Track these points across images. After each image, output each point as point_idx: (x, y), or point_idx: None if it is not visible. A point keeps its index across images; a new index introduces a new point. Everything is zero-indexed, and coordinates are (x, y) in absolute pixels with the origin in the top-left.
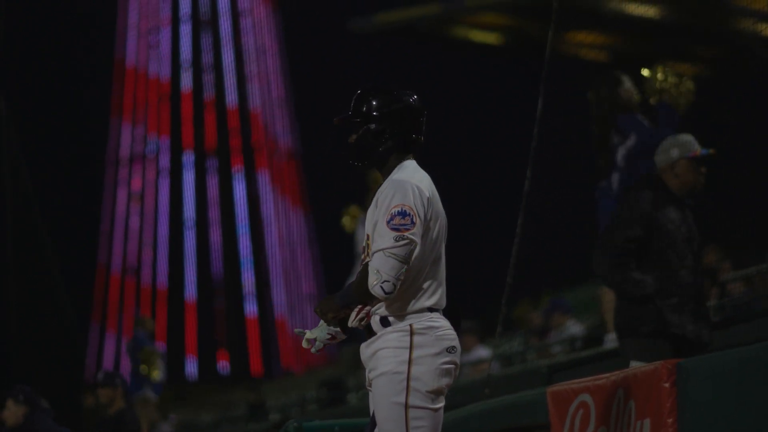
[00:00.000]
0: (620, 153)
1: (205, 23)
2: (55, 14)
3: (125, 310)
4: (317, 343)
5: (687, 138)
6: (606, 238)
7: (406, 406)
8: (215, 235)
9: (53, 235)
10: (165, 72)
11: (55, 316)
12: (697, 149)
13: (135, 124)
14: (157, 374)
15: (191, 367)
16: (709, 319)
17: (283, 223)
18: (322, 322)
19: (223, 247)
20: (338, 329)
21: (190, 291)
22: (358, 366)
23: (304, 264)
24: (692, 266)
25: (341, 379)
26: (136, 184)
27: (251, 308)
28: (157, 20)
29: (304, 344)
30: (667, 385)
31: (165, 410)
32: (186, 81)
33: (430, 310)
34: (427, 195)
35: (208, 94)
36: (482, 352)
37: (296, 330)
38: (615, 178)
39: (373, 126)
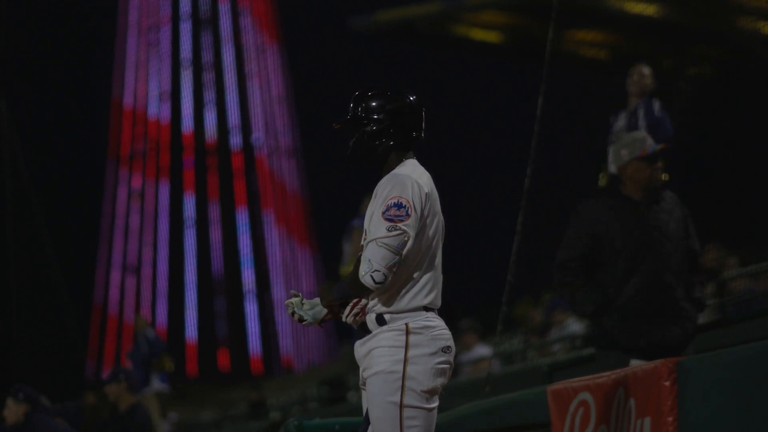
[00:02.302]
0: (613, 129)
1: (205, 21)
2: (57, 14)
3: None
4: (306, 320)
5: (636, 136)
6: (557, 257)
7: (401, 406)
8: (216, 235)
9: (53, 235)
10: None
11: (55, 315)
12: (646, 147)
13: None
14: (170, 365)
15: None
16: (684, 318)
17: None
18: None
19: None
20: (324, 316)
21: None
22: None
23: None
24: (648, 271)
25: (342, 378)
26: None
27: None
28: (157, 18)
29: (288, 310)
30: (667, 383)
31: (165, 408)
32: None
33: (426, 309)
34: (426, 191)
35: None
36: (483, 350)
37: (292, 291)
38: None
39: (370, 127)
